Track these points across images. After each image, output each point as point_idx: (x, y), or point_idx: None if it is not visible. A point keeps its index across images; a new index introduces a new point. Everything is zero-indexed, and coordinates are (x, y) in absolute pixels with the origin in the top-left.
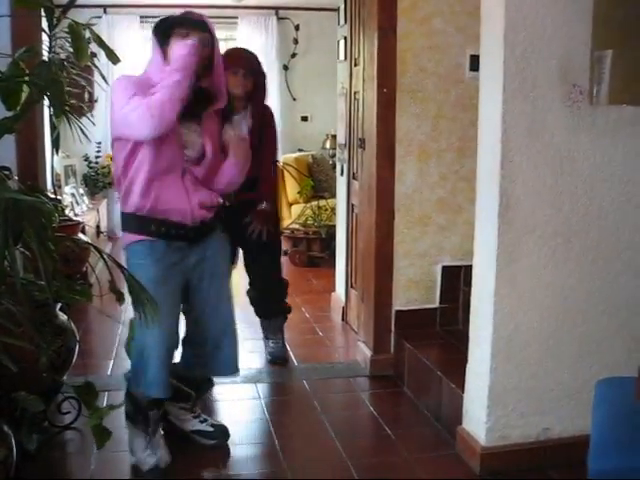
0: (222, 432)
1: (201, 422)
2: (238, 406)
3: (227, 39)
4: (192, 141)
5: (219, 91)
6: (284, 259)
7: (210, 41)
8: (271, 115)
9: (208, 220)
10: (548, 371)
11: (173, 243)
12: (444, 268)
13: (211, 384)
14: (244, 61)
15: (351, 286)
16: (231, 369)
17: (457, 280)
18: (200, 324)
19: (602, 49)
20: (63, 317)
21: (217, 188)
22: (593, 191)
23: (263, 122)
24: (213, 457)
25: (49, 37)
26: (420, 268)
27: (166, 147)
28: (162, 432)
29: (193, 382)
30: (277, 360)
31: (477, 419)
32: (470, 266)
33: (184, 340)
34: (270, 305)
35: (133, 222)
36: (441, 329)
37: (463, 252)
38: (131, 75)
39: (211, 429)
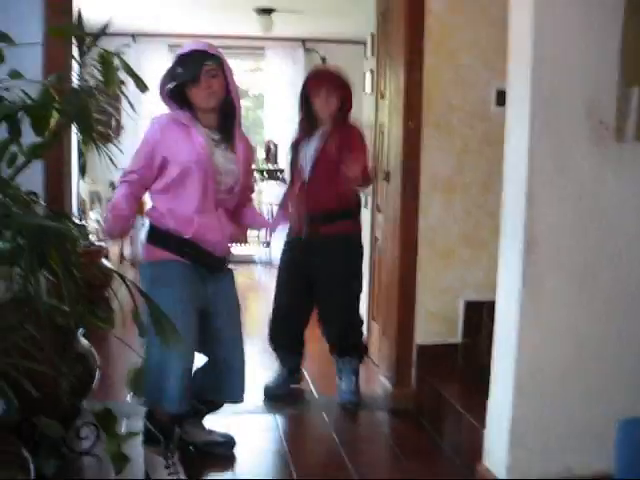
0: (231, 441)
1: (209, 434)
2: (256, 437)
3: (254, 70)
4: (228, 170)
5: (236, 105)
6: None
7: (217, 70)
8: (357, 134)
9: (229, 254)
10: (571, 409)
11: (199, 269)
12: (467, 303)
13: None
14: (327, 79)
15: (373, 319)
16: (236, 397)
17: (480, 315)
18: (213, 351)
19: (629, 86)
20: (84, 342)
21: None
22: (618, 227)
23: (344, 142)
24: None
25: (79, 65)
26: (443, 302)
27: (204, 183)
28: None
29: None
30: (348, 404)
31: (497, 456)
32: (493, 301)
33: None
34: (346, 343)
35: (169, 240)
36: (463, 364)
37: (486, 287)
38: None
39: (222, 439)
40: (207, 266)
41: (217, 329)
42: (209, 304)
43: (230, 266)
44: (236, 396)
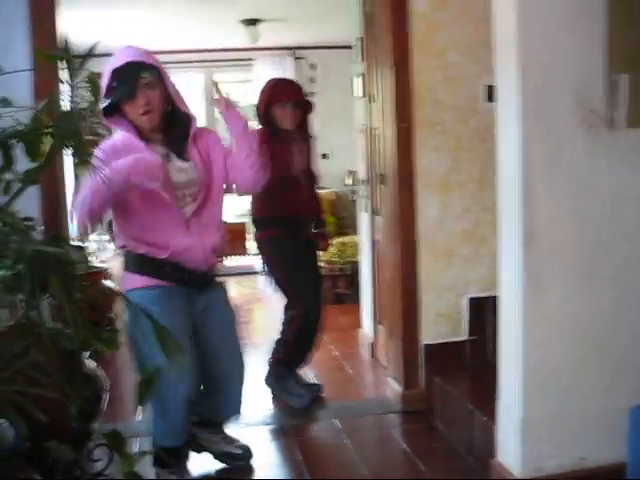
0: (248, 453)
1: (228, 443)
2: (270, 446)
3: (244, 81)
4: (186, 182)
5: (188, 113)
6: None
7: (156, 80)
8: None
9: (215, 266)
10: (580, 399)
11: (182, 288)
12: (471, 300)
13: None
14: (292, 93)
15: (378, 322)
16: (234, 411)
17: (485, 311)
18: (206, 368)
19: (618, 73)
20: (92, 364)
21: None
22: (616, 215)
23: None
24: None
25: (70, 87)
26: (447, 301)
27: (158, 205)
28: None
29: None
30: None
31: (510, 451)
32: (497, 297)
33: None
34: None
35: (145, 264)
36: (471, 361)
37: (489, 283)
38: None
39: (239, 451)
40: (192, 284)
41: (212, 345)
42: (201, 321)
43: (223, 279)
44: (234, 411)
